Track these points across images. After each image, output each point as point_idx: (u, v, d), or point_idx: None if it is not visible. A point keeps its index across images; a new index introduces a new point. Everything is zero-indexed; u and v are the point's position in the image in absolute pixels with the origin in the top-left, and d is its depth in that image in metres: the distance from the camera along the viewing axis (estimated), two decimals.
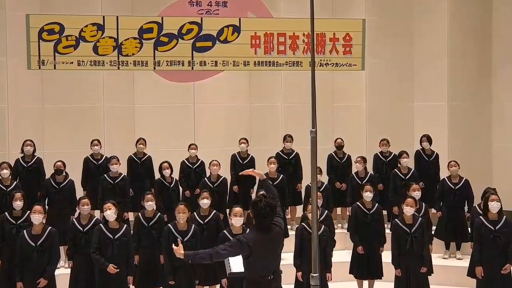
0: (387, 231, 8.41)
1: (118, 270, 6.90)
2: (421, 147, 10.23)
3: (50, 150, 10.34)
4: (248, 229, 7.01)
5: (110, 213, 7.00)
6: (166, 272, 7.08)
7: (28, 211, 7.31)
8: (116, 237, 6.98)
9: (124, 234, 7.05)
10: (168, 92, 11.30)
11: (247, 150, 10.09)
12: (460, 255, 9.18)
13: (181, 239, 6.98)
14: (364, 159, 9.79)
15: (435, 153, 10.20)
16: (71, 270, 7.48)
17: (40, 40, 9.66)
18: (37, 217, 6.89)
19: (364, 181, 9.33)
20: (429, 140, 10.16)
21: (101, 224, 7.13)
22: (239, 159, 10.03)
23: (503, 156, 11.62)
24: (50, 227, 7.04)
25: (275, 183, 9.22)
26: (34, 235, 6.89)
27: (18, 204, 7.48)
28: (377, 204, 8.16)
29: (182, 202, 7.50)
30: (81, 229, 7.36)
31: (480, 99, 11.75)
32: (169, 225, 7.22)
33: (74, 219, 7.59)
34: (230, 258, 5.24)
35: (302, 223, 7.54)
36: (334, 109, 11.65)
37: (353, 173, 9.88)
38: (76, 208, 7.80)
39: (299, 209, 9.91)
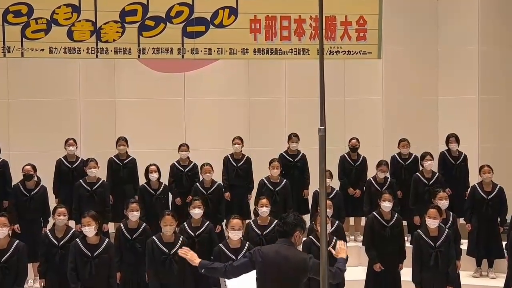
0: (407, 244, 8.42)
1: None
2: (447, 148, 10.21)
3: (17, 152, 10.32)
4: (247, 243, 7.04)
5: (90, 229, 6.91)
6: None
7: None
8: (95, 254, 6.92)
9: (104, 251, 6.98)
10: (155, 84, 11.32)
11: (241, 151, 10.10)
12: (493, 273, 9.14)
13: (168, 252, 7.01)
14: (387, 164, 9.76)
15: (463, 154, 10.14)
16: None
17: (5, 24, 9.60)
18: (0, 231, 6.84)
19: (384, 187, 9.33)
20: (458, 141, 10.09)
21: (77, 239, 7.05)
22: (232, 162, 10.02)
23: None
24: (17, 241, 6.99)
25: (277, 189, 9.24)
26: None
27: None
28: (396, 215, 8.13)
29: (168, 212, 7.47)
30: (56, 243, 7.35)
31: None
32: (153, 237, 7.20)
33: (47, 232, 7.57)
34: None
35: (310, 236, 7.53)
36: (346, 104, 11.66)
37: (370, 178, 9.88)
38: (50, 219, 7.78)
39: (306, 219, 9.91)
